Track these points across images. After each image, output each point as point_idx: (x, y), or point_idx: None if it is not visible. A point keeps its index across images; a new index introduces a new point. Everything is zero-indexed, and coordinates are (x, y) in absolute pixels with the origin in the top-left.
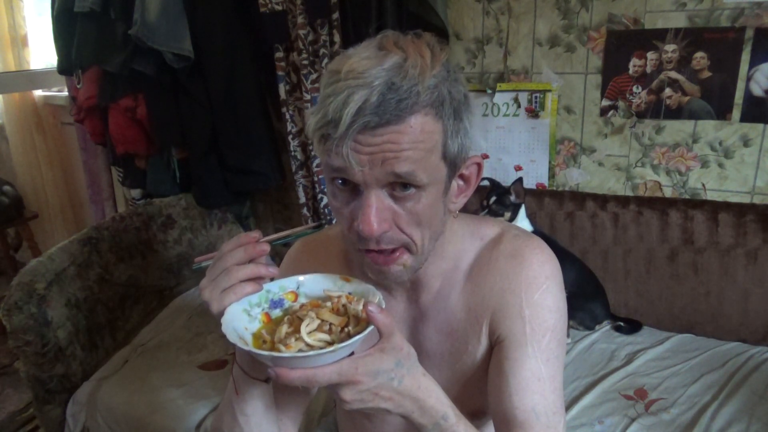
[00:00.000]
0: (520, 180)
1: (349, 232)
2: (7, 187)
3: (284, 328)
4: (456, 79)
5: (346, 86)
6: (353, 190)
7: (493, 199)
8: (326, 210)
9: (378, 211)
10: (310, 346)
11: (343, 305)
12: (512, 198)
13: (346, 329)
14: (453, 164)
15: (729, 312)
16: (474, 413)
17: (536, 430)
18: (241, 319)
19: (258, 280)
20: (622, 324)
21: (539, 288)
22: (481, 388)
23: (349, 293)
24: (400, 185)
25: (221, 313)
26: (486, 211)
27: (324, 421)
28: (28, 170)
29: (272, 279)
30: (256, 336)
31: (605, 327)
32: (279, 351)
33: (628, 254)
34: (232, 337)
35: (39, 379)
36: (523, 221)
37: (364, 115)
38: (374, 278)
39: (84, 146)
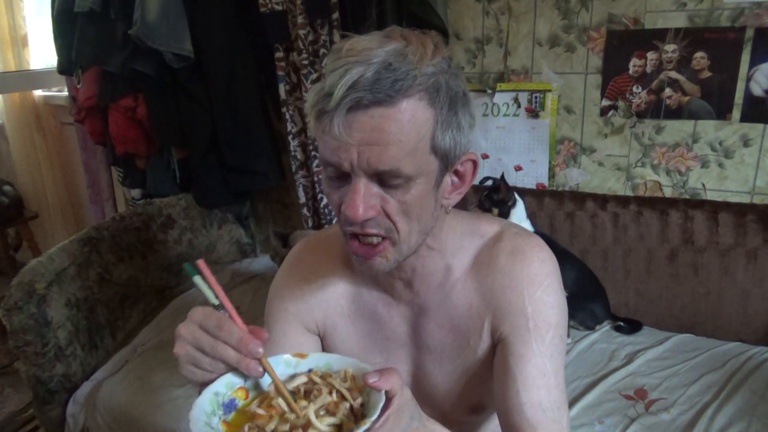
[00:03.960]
0: (501, 177)
1: (339, 216)
2: (7, 187)
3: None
4: (456, 74)
5: (345, 62)
6: (344, 178)
7: (484, 194)
8: (326, 210)
9: (365, 197)
10: None
11: (320, 380)
12: (499, 195)
13: (344, 404)
14: (445, 158)
15: (729, 312)
16: (474, 408)
17: (543, 424)
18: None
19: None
20: (622, 324)
21: (541, 285)
22: (481, 383)
23: (310, 369)
24: (387, 176)
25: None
26: (476, 204)
27: None
28: (28, 170)
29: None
30: None
31: (605, 327)
32: None
33: (628, 254)
34: None
35: (39, 379)
36: (523, 222)
37: (357, 90)
38: (359, 268)
39: (84, 146)
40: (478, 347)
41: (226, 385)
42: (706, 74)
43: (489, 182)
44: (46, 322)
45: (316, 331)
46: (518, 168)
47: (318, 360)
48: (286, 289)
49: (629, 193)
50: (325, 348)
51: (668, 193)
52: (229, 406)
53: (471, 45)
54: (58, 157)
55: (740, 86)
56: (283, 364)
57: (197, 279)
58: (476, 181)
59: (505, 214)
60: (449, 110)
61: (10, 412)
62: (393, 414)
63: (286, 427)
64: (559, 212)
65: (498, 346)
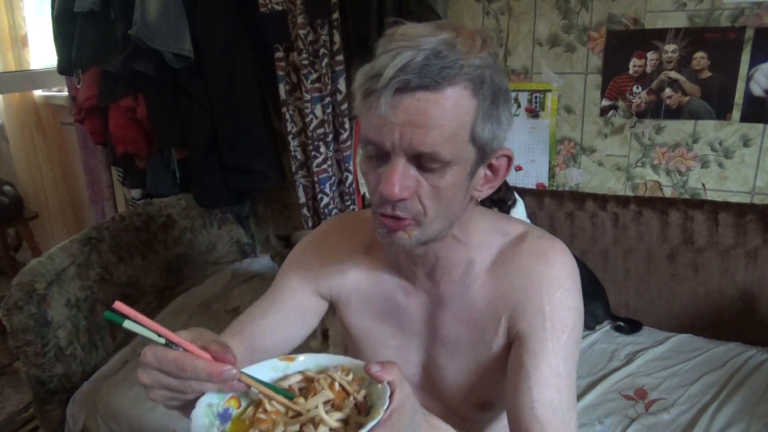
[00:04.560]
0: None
1: (373, 195)
2: (7, 187)
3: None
4: (500, 71)
5: (396, 46)
6: (383, 157)
7: None
8: (326, 210)
9: (402, 177)
10: (334, 430)
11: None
12: (498, 194)
13: (349, 399)
14: (482, 150)
15: (729, 312)
16: (482, 405)
17: (552, 423)
18: None
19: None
20: (622, 324)
21: (561, 287)
22: (492, 380)
23: (301, 372)
24: (425, 158)
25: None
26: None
27: None
28: (28, 170)
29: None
30: None
31: (605, 327)
32: None
33: (628, 254)
34: None
35: (39, 379)
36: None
37: (406, 72)
38: (382, 242)
39: (84, 146)
40: (492, 343)
41: (218, 396)
42: (706, 74)
43: None
44: (46, 322)
45: (328, 297)
46: (518, 168)
47: (308, 361)
48: (307, 254)
49: (629, 193)
50: (337, 316)
51: (668, 193)
52: (224, 416)
53: None
54: (58, 157)
55: (740, 86)
56: (271, 370)
57: (128, 324)
58: None
59: (504, 213)
60: (491, 103)
61: (10, 412)
62: (396, 408)
63: (296, 427)
64: (559, 212)
65: (513, 344)
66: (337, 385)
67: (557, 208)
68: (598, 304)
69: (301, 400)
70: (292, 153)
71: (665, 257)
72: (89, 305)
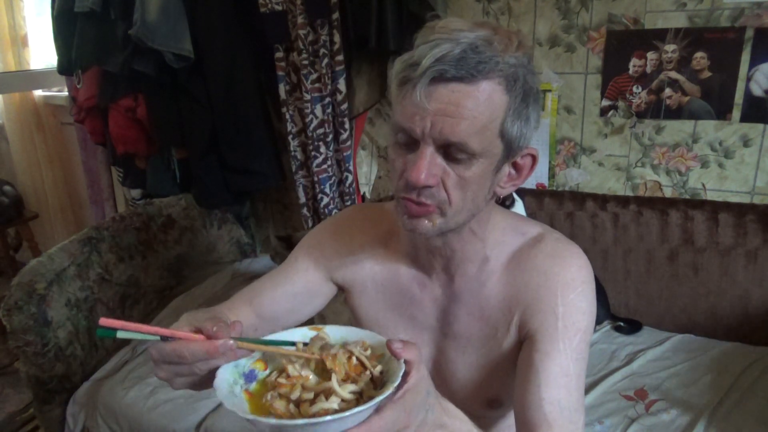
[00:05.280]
0: None
1: (399, 181)
2: (7, 187)
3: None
4: (533, 73)
5: (436, 37)
6: (412, 145)
7: None
8: (326, 210)
9: (429, 165)
10: (346, 401)
11: (347, 352)
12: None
13: (365, 373)
14: (509, 146)
15: (729, 312)
16: (490, 402)
17: (559, 423)
18: (233, 402)
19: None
20: (622, 324)
21: (575, 290)
22: (501, 377)
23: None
24: (454, 148)
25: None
26: None
27: None
28: (28, 170)
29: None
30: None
31: (605, 327)
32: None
33: (628, 254)
34: (261, 425)
35: (39, 379)
36: None
37: (443, 63)
38: (405, 229)
39: (84, 146)
40: (504, 340)
41: (245, 359)
42: (706, 74)
43: None
44: (46, 322)
45: (341, 283)
46: None
47: (332, 332)
48: (323, 238)
49: (629, 193)
50: (348, 304)
51: (668, 193)
52: (249, 376)
53: None
54: (58, 157)
55: (740, 86)
56: (300, 336)
57: (121, 334)
58: None
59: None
60: (522, 101)
61: (10, 412)
62: (411, 388)
63: (310, 395)
64: (559, 212)
65: (524, 343)
66: (354, 359)
67: (557, 208)
68: (598, 304)
69: (306, 348)
70: (292, 153)
71: (665, 257)
72: (89, 305)
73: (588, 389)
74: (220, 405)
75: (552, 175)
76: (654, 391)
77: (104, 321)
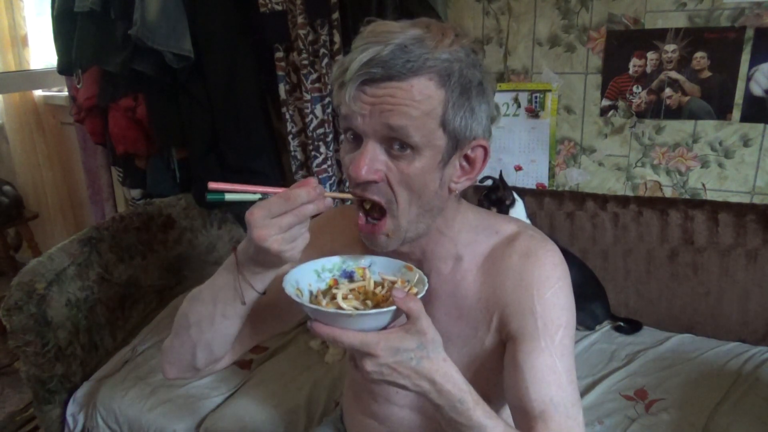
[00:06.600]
0: (500, 176)
1: (347, 178)
2: (7, 187)
3: (340, 292)
4: (474, 64)
5: (365, 42)
6: (358, 140)
7: (483, 193)
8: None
9: (370, 160)
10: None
11: (390, 287)
12: (497, 194)
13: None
14: (454, 138)
15: (729, 312)
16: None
17: (556, 420)
18: (309, 278)
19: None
20: (622, 324)
21: (551, 287)
22: (487, 375)
23: (405, 280)
24: (397, 143)
25: (292, 260)
26: (476, 203)
27: (325, 420)
28: (28, 170)
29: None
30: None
31: (605, 327)
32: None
33: (628, 254)
34: (289, 290)
35: (39, 379)
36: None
37: (371, 66)
38: (367, 245)
39: (84, 146)
40: (485, 339)
41: (353, 259)
42: (706, 74)
43: (488, 182)
44: (46, 322)
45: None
46: (518, 168)
47: (413, 275)
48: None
49: (629, 193)
50: None
51: (668, 193)
52: (346, 274)
53: None
54: (58, 157)
55: (740, 86)
56: (396, 267)
57: (229, 196)
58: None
59: (503, 213)
60: (460, 95)
61: (10, 412)
62: (400, 330)
63: (351, 296)
64: (559, 212)
65: (507, 344)
66: (380, 288)
67: (557, 208)
68: (597, 304)
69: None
70: (292, 153)
71: (665, 257)
72: (89, 305)
73: (588, 389)
74: (220, 405)
75: (552, 175)
76: (654, 391)
77: (213, 185)
